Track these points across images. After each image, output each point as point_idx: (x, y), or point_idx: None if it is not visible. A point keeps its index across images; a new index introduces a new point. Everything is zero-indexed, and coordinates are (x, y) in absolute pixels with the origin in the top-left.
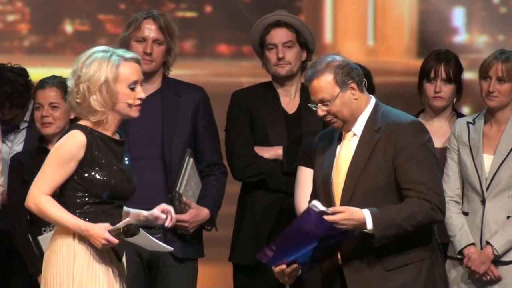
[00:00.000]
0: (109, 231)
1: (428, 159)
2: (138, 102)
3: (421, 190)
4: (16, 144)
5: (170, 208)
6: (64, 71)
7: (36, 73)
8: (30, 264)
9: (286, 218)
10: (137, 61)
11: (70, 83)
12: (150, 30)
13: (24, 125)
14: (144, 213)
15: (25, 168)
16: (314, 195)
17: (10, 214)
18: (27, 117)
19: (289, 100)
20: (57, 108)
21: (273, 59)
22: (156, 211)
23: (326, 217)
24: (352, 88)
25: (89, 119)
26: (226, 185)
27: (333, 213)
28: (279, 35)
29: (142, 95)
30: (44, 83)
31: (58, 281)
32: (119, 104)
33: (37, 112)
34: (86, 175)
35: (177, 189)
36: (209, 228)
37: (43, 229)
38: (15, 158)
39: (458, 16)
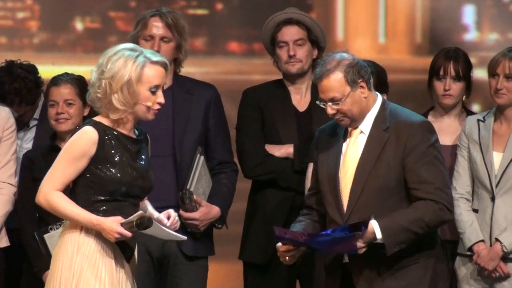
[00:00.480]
0: (122, 224)
1: (436, 159)
2: (157, 106)
3: (429, 190)
4: (26, 141)
5: (175, 214)
6: (74, 69)
7: (46, 71)
8: (35, 262)
9: (296, 216)
10: (163, 65)
11: (93, 76)
12: (157, 27)
13: (33, 122)
14: (155, 215)
15: (35, 166)
16: (314, 191)
17: (20, 211)
18: (36, 114)
19: (300, 98)
20: (72, 105)
21: (284, 57)
22: (162, 215)
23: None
24: (362, 87)
25: (108, 116)
26: (237, 183)
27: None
28: (290, 33)
29: (162, 100)
30: (58, 80)
31: (59, 274)
32: (138, 105)
33: (51, 109)
34: (97, 172)
35: (187, 187)
36: (219, 226)
37: (49, 227)
38: (26, 156)
39: (468, 14)
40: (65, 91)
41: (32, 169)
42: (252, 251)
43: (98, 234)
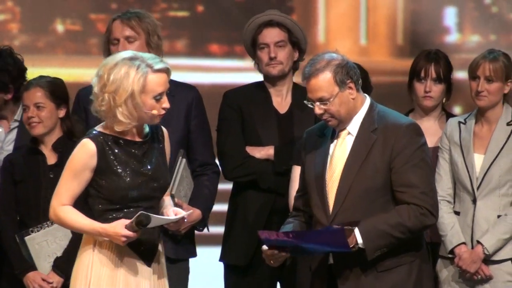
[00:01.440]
0: (126, 226)
1: (424, 162)
2: (163, 112)
3: (414, 194)
4: (7, 144)
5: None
6: (55, 71)
7: (27, 73)
8: (16, 265)
9: (277, 218)
10: (165, 71)
11: (95, 88)
12: (118, 29)
13: (14, 124)
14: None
15: (16, 168)
16: (301, 193)
17: (0, 214)
18: (17, 116)
19: (281, 100)
20: (43, 108)
21: (265, 59)
22: (170, 212)
23: None
24: (350, 88)
25: (111, 125)
26: (218, 185)
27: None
28: (271, 35)
29: (167, 105)
30: (29, 84)
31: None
32: (143, 114)
33: (24, 113)
34: (102, 182)
35: (169, 190)
36: (200, 228)
37: (30, 229)
38: (7, 158)
39: (449, 15)
40: (35, 95)
41: (12, 171)
42: (233, 253)
43: (111, 246)
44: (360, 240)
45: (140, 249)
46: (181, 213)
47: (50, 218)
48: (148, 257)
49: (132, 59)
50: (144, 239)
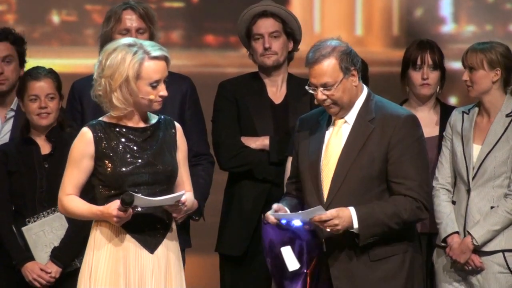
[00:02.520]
0: (118, 207)
1: (420, 154)
2: (159, 99)
3: (411, 186)
4: (3, 134)
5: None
6: (51, 62)
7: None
8: (14, 255)
9: None
10: (163, 58)
11: (94, 73)
12: (131, 20)
13: (10, 114)
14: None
15: (10, 159)
16: (293, 179)
17: None
18: (14, 105)
19: (276, 90)
20: (54, 99)
21: (260, 49)
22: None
23: (315, 218)
24: (353, 75)
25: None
26: (213, 175)
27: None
28: (266, 25)
29: (164, 93)
30: (38, 74)
31: (81, 271)
32: (140, 100)
33: (32, 103)
34: (101, 169)
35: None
36: (196, 218)
37: (27, 219)
38: (0, 149)
39: (445, 6)
40: (47, 85)
41: (6, 162)
42: (229, 243)
43: (112, 232)
44: (356, 225)
45: (142, 235)
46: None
47: (59, 210)
48: (150, 244)
49: (130, 45)
50: (147, 225)
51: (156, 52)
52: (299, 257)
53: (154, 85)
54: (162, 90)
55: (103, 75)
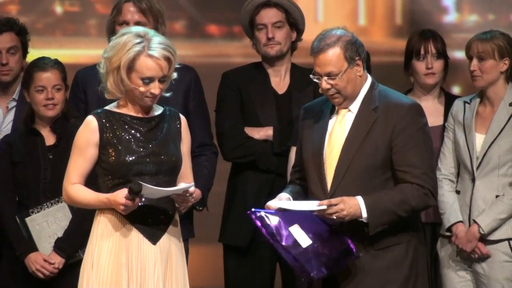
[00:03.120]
0: (125, 195)
1: (425, 142)
2: (150, 95)
3: (416, 174)
4: (5, 124)
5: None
6: (54, 52)
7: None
8: (17, 246)
9: None
10: (161, 59)
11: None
12: (131, 13)
13: (12, 104)
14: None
15: (14, 149)
16: (297, 168)
17: None
18: (16, 95)
19: (279, 81)
20: (60, 90)
21: (263, 39)
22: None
23: (324, 202)
24: (358, 65)
25: (119, 102)
26: (217, 165)
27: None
28: (269, 15)
29: (154, 91)
30: (44, 65)
31: (84, 260)
32: (132, 89)
33: (39, 94)
34: (105, 158)
35: None
36: (200, 208)
37: (30, 210)
38: (4, 140)
39: None
40: (54, 76)
41: (10, 153)
42: (232, 234)
43: (116, 222)
44: (364, 214)
45: (145, 226)
46: (183, 185)
47: (64, 199)
48: (153, 236)
49: (138, 35)
50: (150, 216)
51: (154, 51)
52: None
53: (146, 81)
54: (154, 88)
55: (105, 56)
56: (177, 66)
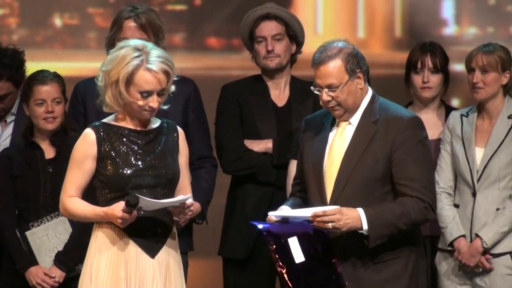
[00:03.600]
0: (122, 209)
1: (425, 156)
2: (148, 108)
3: (415, 188)
4: (3, 138)
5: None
6: (53, 65)
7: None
8: (18, 259)
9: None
10: (160, 72)
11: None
12: (131, 30)
13: (11, 118)
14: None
15: (14, 163)
16: (298, 180)
17: None
18: (14, 109)
19: (279, 93)
20: (60, 103)
21: (262, 52)
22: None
23: (317, 220)
24: (359, 78)
25: (116, 115)
26: (216, 178)
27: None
28: (268, 28)
29: (153, 104)
30: (44, 78)
31: (82, 274)
32: (130, 103)
33: (38, 108)
34: (103, 171)
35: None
36: (199, 221)
37: (30, 224)
38: (4, 153)
39: (447, 8)
40: (54, 90)
41: (10, 166)
42: (232, 247)
43: (114, 235)
44: (365, 226)
45: (143, 240)
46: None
47: (61, 212)
48: (151, 249)
49: (137, 49)
50: (148, 229)
51: (153, 65)
52: (307, 249)
53: (144, 95)
54: (152, 102)
55: (104, 69)
56: (176, 78)
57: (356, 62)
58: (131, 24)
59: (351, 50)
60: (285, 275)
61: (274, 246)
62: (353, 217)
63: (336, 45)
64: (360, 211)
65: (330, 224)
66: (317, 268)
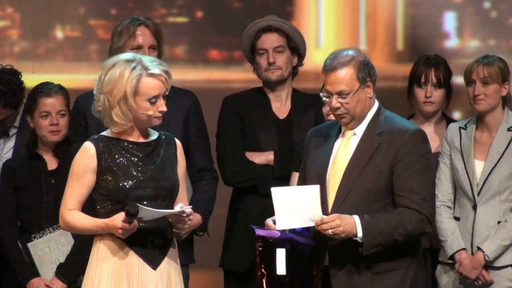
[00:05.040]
0: (123, 219)
1: (427, 169)
2: (159, 114)
3: (415, 200)
4: (6, 150)
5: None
6: (55, 77)
7: (27, 79)
8: (20, 271)
9: None
10: (162, 74)
11: (95, 89)
12: (144, 36)
13: (13, 130)
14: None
15: (16, 174)
16: None
17: (1, 220)
18: (17, 122)
19: (280, 105)
20: (64, 115)
21: (264, 64)
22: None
23: (317, 222)
24: (369, 87)
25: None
26: (217, 190)
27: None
28: (270, 40)
29: (163, 108)
30: (49, 90)
31: (83, 286)
32: (139, 115)
33: (43, 120)
34: (103, 183)
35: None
36: (200, 233)
37: (32, 235)
38: (7, 164)
39: (449, 20)
40: (59, 102)
41: (13, 177)
42: (233, 259)
43: (115, 247)
44: (360, 234)
45: (145, 251)
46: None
47: (60, 226)
48: (153, 260)
49: (129, 60)
50: (149, 240)
51: (154, 69)
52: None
53: (152, 101)
54: (161, 106)
55: (102, 91)
56: (177, 91)
57: (367, 71)
58: (144, 30)
59: (363, 58)
60: (263, 281)
61: (261, 249)
62: (350, 223)
63: (348, 53)
64: (356, 218)
65: (330, 230)
66: (297, 284)
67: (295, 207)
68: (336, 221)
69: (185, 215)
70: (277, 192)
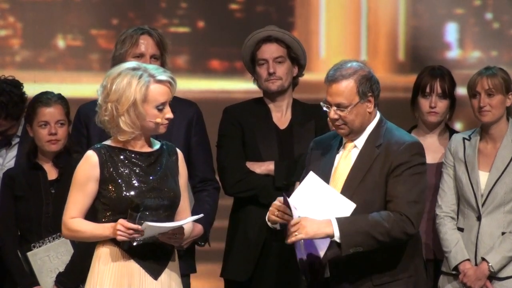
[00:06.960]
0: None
1: (415, 177)
2: (166, 122)
3: (398, 203)
4: (8, 160)
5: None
6: (56, 87)
7: (28, 88)
8: (19, 280)
9: (278, 234)
10: (168, 81)
11: (99, 98)
12: (146, 45)
13: (16, 140)
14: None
15: (17, 184)
16: None
17: (1, 230)
18: (19, 132)
19: (281, 116)
20: (63, 125)
21: (264, 75)
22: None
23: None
24: (369, 101)
25: (117, 137)
26: (218, 200)
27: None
28: (270, 51)
29: (170, 115)
30: (48, 100)
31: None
32: (147, 123)
33: (42, 130)
34: (106, 193)
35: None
36: (202, 244)
37: (32, 245)
38: (7, 174)
39: (451, 31)
40: (58, 112)
41: (13, 187)
42: (234, 269)
43: (117, 256)
44: (337, 233)
45: (145, 261)
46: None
47: (63, 234)
48: (154, 270)
49: (135, 69)
50: (151, 251)
51: (161, 76)
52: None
53: (160, 108)
54: (168, 113)
55: (109, 99)
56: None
57: (369, 86)
58: (147, 39)
59: (366, 73)
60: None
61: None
62: (321, 224)
63: (352, 65)
64: (332, 218)
65: (294, 232)
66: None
67: (317, 202)
68: (300, 223)
69: (176, 234)
70: (313, 179)
